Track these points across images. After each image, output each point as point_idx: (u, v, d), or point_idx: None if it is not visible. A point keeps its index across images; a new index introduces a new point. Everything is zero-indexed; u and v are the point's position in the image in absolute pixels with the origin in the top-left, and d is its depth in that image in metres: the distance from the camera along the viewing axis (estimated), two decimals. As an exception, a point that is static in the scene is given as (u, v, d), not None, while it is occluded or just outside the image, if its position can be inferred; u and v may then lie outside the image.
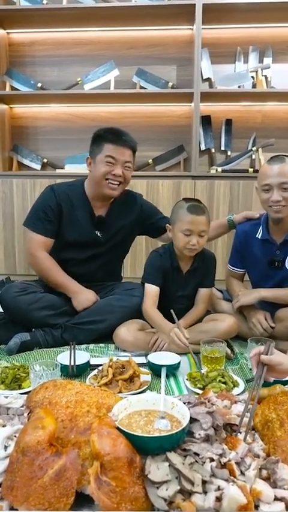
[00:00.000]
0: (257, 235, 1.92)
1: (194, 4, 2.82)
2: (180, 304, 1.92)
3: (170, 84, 3.17)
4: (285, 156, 1.77)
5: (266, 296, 1.83)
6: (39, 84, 3.21)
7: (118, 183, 1.91)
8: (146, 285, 1.90)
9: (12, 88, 3.23)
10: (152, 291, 1.88)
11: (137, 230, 2.13)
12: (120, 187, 1.94)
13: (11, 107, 3.37)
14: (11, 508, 0.90)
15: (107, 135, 1.91)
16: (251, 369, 1.65)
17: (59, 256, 1.99)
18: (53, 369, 1.43)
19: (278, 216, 1.77)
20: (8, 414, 1.18)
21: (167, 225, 1.91)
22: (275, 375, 1.17)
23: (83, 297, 1.94)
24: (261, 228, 1.91)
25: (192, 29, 3.04)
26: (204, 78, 3.17)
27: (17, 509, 0.88)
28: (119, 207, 2.05)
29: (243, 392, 1.43)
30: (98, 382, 1.46)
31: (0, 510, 0.90)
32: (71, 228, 1.97)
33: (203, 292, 1.93)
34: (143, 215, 2.10)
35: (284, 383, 1.33)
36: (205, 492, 0.90)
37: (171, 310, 1.69)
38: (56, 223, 1.96)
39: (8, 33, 3.28)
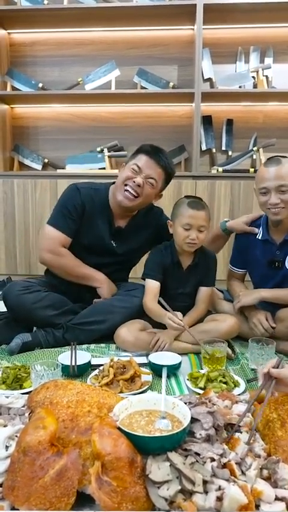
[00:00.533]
0: (257, 236, 1.92)
1: (195, 4, 2.82)
2: (181, 302, 1.93)
3: (171, 84, 3.17)
4: (282, 157, 1.77)
5: (266, 297, 1.83)
6: (40, 84, 3.22)
7: (135, 194, 1.87)
8: (147, 280, 1.91)
9: (13, 88, 3.23)
10: (152, 286, 1.89)
11: (153, 243, 2.06)
12: (136, 201, 1.89)
13: (12, 107, 3.37)
14: (12, 508, 0.90)
15: (147, 147, 1.91)
16: (252, 369, 1.65)
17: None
18: (54, 369, 1.43)
19: (277, 218, 1.78)
20: (9, 414, 1.18)
21: (168, 221, 1.92)
22: (283, 389, 1.15)
23: (110, 286, 2.00)
24: (261, 228, 1.91)
25: (193, 29, 3.04)
26: (205, 78, 3.17)
27: (18, 509, 0.89)
28: (140, 221, 2.03)
29: (244, 392, 1.43)
30: (99, 382, 1.46)
31: (2, 510, 0.90)
32: (88, 232, 1.97)
33: (203, 291, 1.94)
34: (161, 230, 2.04)
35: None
36: (206, 492, 0.90)
37: (160, 298, 1.75)
38: (78, 223, 1.95)
39: (9, 33, 3.29)
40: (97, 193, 1.98)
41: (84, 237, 1.97)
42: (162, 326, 1.86)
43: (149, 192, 1.90)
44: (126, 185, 1.88)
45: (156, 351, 1.73)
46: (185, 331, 1.76)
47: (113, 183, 2.00)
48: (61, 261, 1.95)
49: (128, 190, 1.87)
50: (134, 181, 1.86)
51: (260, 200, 1.79)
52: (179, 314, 1.77)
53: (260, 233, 1.91)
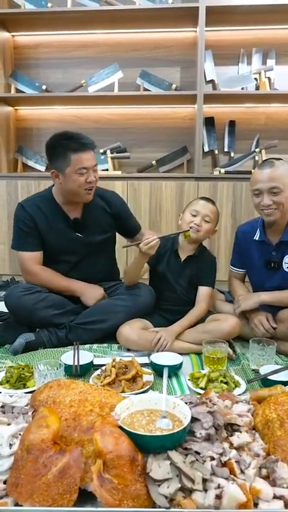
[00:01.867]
0: (254, 237, 1.94)
1: (197, 7, 2.84)
2: (181, 295, 1.98)
3: (174, 86, 3.18)
4: (276, 159, 1.80)
5: (266, 300, 1.85)
6: (43, 87, 3.24)
7: (92, 187, 1.93)
8: None
9: (17, 90, 3.25)
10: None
11: (113, 227, 2.14)
12: (93, 189, 1.95)
13: (16, 109, 3.40)
14: (16, 504, 0.92)
15: (69, 145, 1.85)
16: (252, 370, 1.67)
17: (55, 265, 2.01)
18: (57, 369, 1.45)
19: (270, 219, 1.81)
20: (13, 413, 1.20)
21: (180, 213, 2.00)
22: None
23: (90, 292, 1.99)
24: (258, 229, 1.94)
25: (195, 31, 3.06)
26: (207, 80, 3.19)
27: (21, 506, 0.91)
28: (93, 207, 2.04)
29: (244, 392, 1.44)
30: (101, 382, 1.48)
31: (6, 506, 0.92)
32: (51, 235, 1.99)
33: (203, 290, 1.96)
34: (119, 216, 2.11)
35: (285, 383, 1.35)
36: (205, 490, 0.92)
37: None
38: (37, 236, 1.97)
39: (13, 35, 3.32)
40: (42, 199, 2.01)
41: (51, 241, 1.99)
42: (164, 326, 1.88)
43: (97, 175, 1.94)
44: (84, 189, 1.89)
45: (158, 349, 1.75)
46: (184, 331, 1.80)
47: (53, 185, 2.02)
48: (39, 280, 1.97)
49: (87, 189, 1.90)
50: (90, 182, 1.88)
51: (254, 201, 1.84)
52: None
53: (257, 234, 1.93)
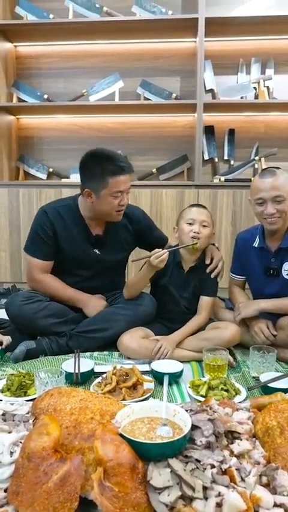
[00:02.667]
0: (253, 244, 1.95)
1: (197, 18, 2.88)
2: (183, 308, 1.98)
3: (174, 95, 3.22)
4: (276, 168, 1.82)
5: (266, 307, 1.86)
6: (45, 96, 3.28)
7: (123, 209, 1.93)
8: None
9: (19, 99, 3.29)
10: None
11: (135, 244, 2.14)
12: (123, 210, 1.94)
13: (18, 118, 3.43)
14: (17, 513, 0.92)
15: (108, 167, 1.81)
16: (253, 377, 1.67)
17: (64, 275, 2.01)
18: (58, 377, 1.45)
19: (273, 228, 1.82)
20: (13, 421, 1.20)
21: (174, 227, 1.99)
22: None
23: (93, 304, 1.99)
24: (257, 237, 1.95)
25: (195, 42, 3.10)
26: (207, 89, 3.22)
27: (22, 514, 0.91)
28: (116, 225, 2.03)
29: (244, 400, 1.44)
30: (102, 390, 1.48)
31: (6, 514, 0.92)
32: (68, 246, 1.98)
33: (204, 300, 1.97)
34: (141, 231, 2.10)
35: (285, 391, 1.35)
36: (206, 498, 0.92)
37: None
38: (52, 245, 1.96)
39: (15, 46, 3.36)
40: (66, 209, 1.98)
41: (67, 253, 1.98)
42: (165, 334, 1.89)
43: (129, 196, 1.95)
44: (116, 210, 1.89)
45: (159, 358, 1.75)
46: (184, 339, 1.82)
47: (80, 194, 1.98)
48: (44, 288, 1.98)
49: (119, 211, 1.90)
50: (123, 204, 1.88)
51: (256, 210, 1.84)
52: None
53: (256, 241, 1.95)
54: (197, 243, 1.86)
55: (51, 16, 3.13)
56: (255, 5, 3.03)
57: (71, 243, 1.98)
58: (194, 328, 1.89)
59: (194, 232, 1.88)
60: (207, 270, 1.95)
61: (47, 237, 1.95)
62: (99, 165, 1.83)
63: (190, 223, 1.90)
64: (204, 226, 1.89)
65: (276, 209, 1.77)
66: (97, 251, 2.02)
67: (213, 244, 2.05)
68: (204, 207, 1.97)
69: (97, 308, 1.98)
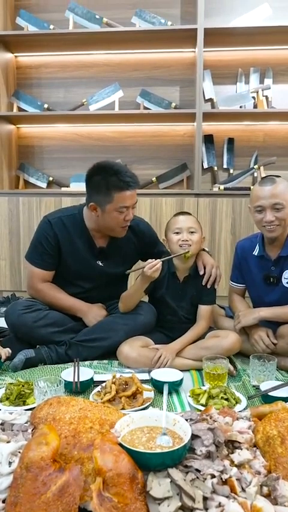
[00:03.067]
0: (253, 252, 1.95)
1: (196, 28, 2.91)
2: (182, 318, 1.97)
3: (173, 104, 3.24)
4: (275, 176, 1.82)
5: (265, 316, 1.85)
6: (45, 105, 3.30)
7: (128, 224, 1.92)
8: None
9: (20, 109, 3.32)
10: None
11: (138, 257, 2.13)
12: (128, 225, 1.94)
13: (18, 127, 3.46)
14: (15, 524, 0.91)
15: (114, 182, 1.80)
16: (253, 386, 1.66)
17: (65, 286, 2.01)
18: (57, 386, 1.44)
19: (272, 236, 1.82)
20: (12, 430, 1.20)
21: (163, 239, 1.97)
22: None
23: (93, 313, 1.98)
24: (257, 245, 1.95)
25: (194, 52, 3.13)
26: (206, 98, 3.25)
27: (20, 525, 0.90)
28: (121, 238, 2.02)
29: (245, 409, 1.44)
30: (102, 399, 1.47)
31: (4, 526, 0.91)
32: (72, 258, 1.97)
33: (203, 308, 1.96)
34: (144, 244, 2.09)
35: (286, 399, 1.35)
36: (206, 509, 0.91)
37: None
38: (55, 255, 1.96)
39: (16, 56, 3.40)
40: (70, 220, 1.96)
41: (70, 264, 1.98)
42: (164, 343, 1.88)
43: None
44: (121, 226, 1.89)
45: (159, 367, 1.75)
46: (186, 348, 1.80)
47: (85, 204, 1.96)
48: (44, 298, 1.97)
49: (124, 226, 1.90)
50: (128, 219, 1.87)
51: (256, 218, 1.84)
52: None
53: (256, 249, 1.95)
54: (188, 251, 1.86)
55: (51, 27, 3.17)
56: (253, 16, 3.07)
57: (75, 254, 1.97)
58: (194, 337, 1.89)
59: (182, 240, 1.86)
60: (203, 283, 1.94)
61: (50, 247, 1.94)
62: (105, 179, 1.81)
63: (177, 233, 1.88)
64: (192, 232, 1.88)
65: (275, 217, 1.77)
66: (100, 263, 2.01)
67: (204, 249, 2.03)
68: (188, 214, 1.96)
69: (97, 318, 1.97)
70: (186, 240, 1.86)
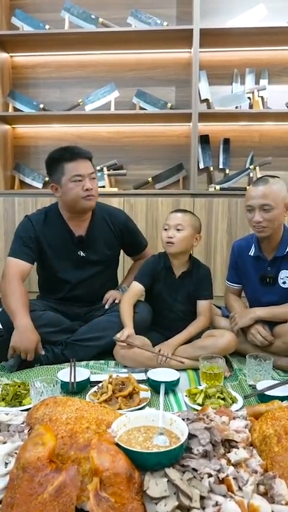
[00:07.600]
0: (249, 253, 1.96)
1: (192, 29, 2.91)
2: (178, 314, 1.98)
3: (169, 105, 3.24)
4: (271, 177, 1.82)
5: (261, 315, 1.86)
6: (41, 105, 3.29)
7: (91, 195, 1.94)
8: (133, 282, 2.00)
9: (15, 109, 3.30)
10: (135, 287, 1.98)
11: (118, 245, 2.15)
12: (94, 198, 1.96)
13: (13, 127, 3.44)
14: (11, 525, 0.90)
15: (63, 156, 1.92)
16: (250, 385, 1.66)
17: (53, 284, 2.02)
18: (54, 386, 1.44)
19: (261, 236, 1.85)
20: (8, 431, 1.19)
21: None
22: None
23: (24, 335, 1.75)
24: (253, 245, 1.95)
25: (190, 52, 3.13)
26: (202, 99, 3.25)
27: (17, 526, 0.89)
28: (98, 223, 2.06)
29: (241, 408, 1.44)
30: (98, 399, 1.47)
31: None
32: (53, 250, 1.99)
33: (202, 304, 1.97)
34: (123, 232, 2.12)
35: (282, 398, 1.35)
36: (203, 508, 0.91)
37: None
38: (33, 248, 1.96)
39: (11, 56, 3.38)
40: (48, 214, 2.02)
41: (52, 257, 1.99)
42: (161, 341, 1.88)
43: (96, 185, 1.96)
44: (82, 197, 1.91)
45: (160, 362, 1.76)
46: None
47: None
48: (4, 288, 1.86)
49: (86, 196, 1.91)
50: (87, 189, 1.90)
51: (247, 217, 1.87)
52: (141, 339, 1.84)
53: (252, 250, 1.95)
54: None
55: (47, 27, 3.16)
56: (249, 16, 3.07)
57: (55, 246, 1.99)
58: (193, 333, 1.89)
59: (168, 237, 1.90)
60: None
61: (29, 239, 1.96)
62: (56, 156, 1.94)
63: (166, 229, 1.93)
64: (179, 230, 1.90)
65: (263, 217, 1.78)
66: (82, 253, 2.03)
67: (191, 256, 2.02)
68: (183, 212, 1.97)
69: (24, 341, 1.74)
70: (171, 237, 1.89)
